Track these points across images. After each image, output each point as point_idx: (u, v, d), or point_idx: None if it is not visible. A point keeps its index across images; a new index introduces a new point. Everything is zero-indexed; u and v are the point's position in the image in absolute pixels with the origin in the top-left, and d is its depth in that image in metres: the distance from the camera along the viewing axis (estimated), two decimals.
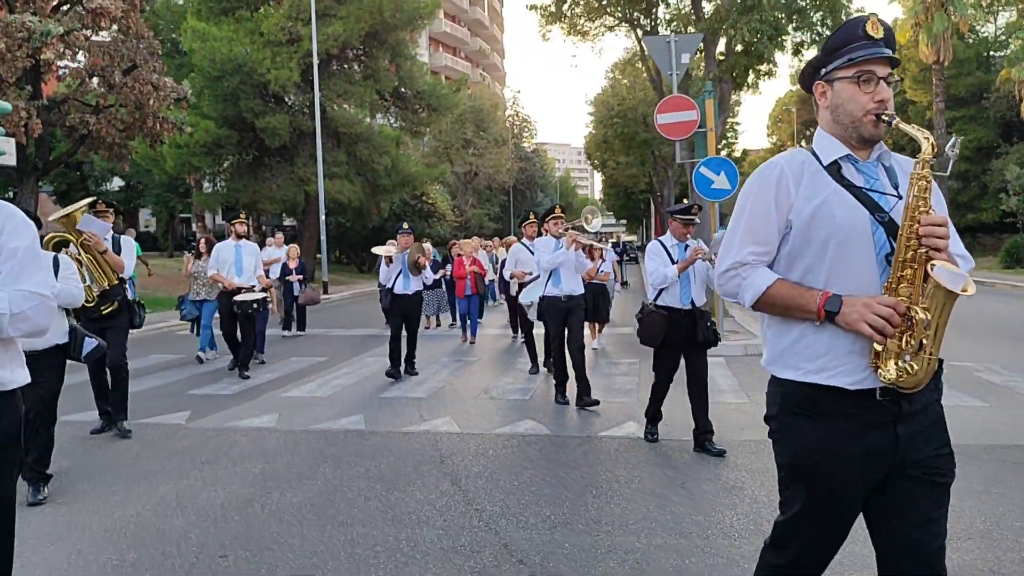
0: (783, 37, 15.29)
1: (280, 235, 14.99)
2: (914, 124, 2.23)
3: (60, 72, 19.64)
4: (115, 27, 18.88)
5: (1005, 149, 42.32)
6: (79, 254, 6.60)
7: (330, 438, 6.90)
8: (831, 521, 2.32)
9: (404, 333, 10.08)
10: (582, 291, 8.28)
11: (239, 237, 10.38)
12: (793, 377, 2.32)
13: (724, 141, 41.48)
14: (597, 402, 7.92)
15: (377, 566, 4.09)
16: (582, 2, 17.69)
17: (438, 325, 15.83)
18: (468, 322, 13.57)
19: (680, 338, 6.31)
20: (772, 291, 2.30)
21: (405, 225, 10.30)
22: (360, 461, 6.13)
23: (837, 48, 2.33)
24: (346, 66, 30.41)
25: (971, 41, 46.99)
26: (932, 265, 2.11)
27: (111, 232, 6.94)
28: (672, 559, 4.13)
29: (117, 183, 43.20)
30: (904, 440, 2.23)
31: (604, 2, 16.96)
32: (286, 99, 29.33)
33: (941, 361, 2.25)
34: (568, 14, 17.81)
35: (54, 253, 5.68)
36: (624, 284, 26.77)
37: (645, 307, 6.49)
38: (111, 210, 7.29)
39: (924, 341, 2.14)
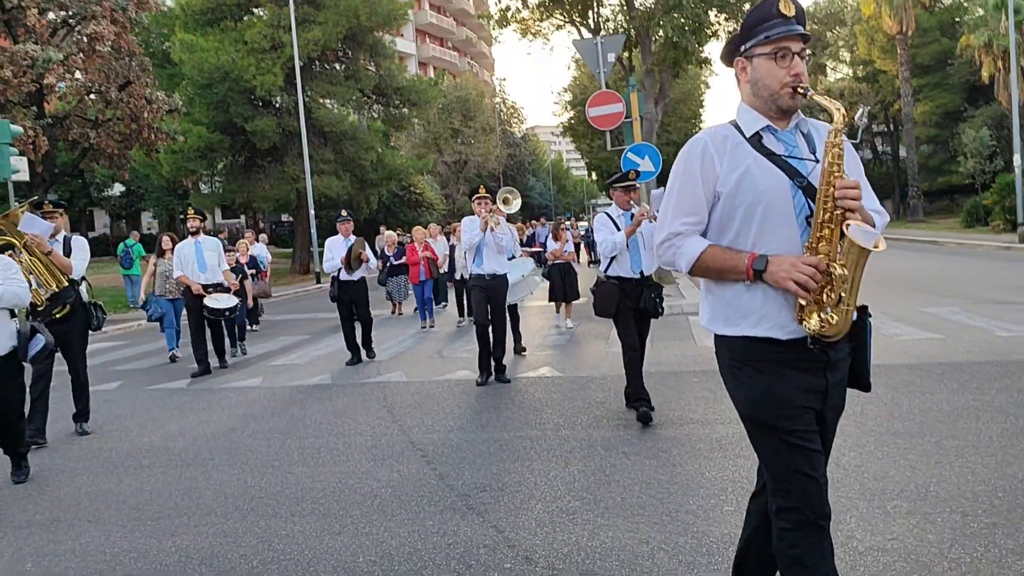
0: (707, 30, 16.87)
1: (250, 233, 15.54)
2: (827, 97, 2.47)
3: (59, 90, 21.24)
4: (109, 46, 20.50)
5: (971, 113, 43.80)
6: (23, 257, 6.40)
7: (301, 390, 8.64)
8: (802, 449, 2.45)
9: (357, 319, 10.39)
10: (505, 271, 8.56)
11: (194, 234, 10.15)
12: (732, 332, 2.52)
13: (693, 122, 43.04)
14: (508, 380, 8.33)
15: (317, 459, 5.84)
16: (524, 9, 19.30)
17: (401, 313, 15.84)
18: (427, 307, 13.91)
19: (633, 306, 6.42)
20: (705, 256, 2.49)
21: (344, 212, 10.71)
22: (320, 403, 7.87)
23: (754, 27, 2.47)
24: (328, 67, 32.02)
25: (936, 9, 48.38)
26: (847, 224, 2.30)
27: (63, 233, 6.89)
28: (526, 443, 5.87)
29: (118, 188, 45.02)
30: (831, 386, 2.48)
31: (547, 5, 18.53)
32: (273, 102, 30.97)
33: (866, 310, 2.53)
34: (513, 19, 19.39)
35: None
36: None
37: (599, 279, 6.63)
38: (59, 210, 7.10)
39: (843, 294, 2.34)
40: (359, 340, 10.43)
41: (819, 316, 2.34)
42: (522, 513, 4.43)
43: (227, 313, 10.02)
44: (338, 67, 32.68)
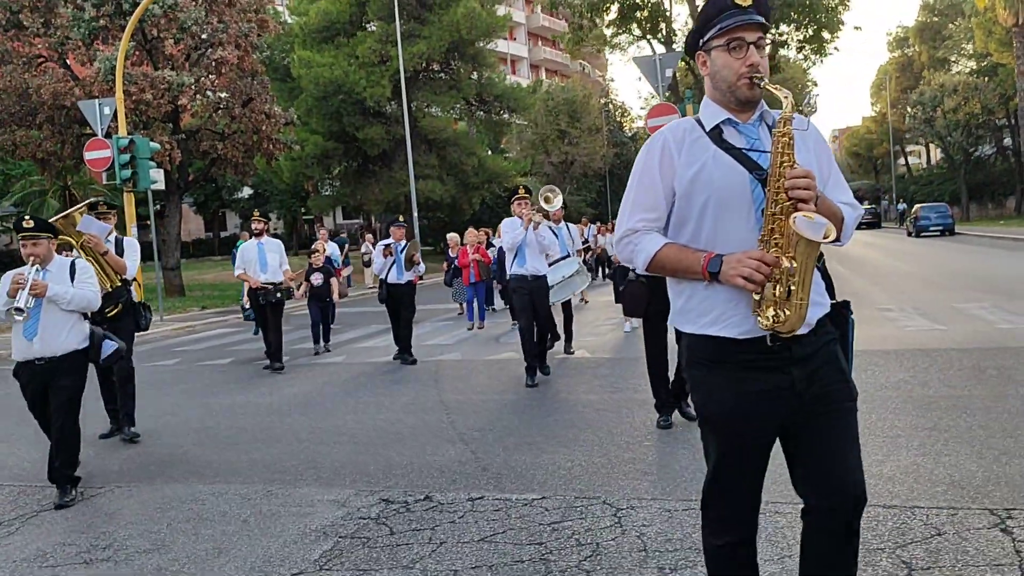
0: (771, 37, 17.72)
1: (324, 232, 16.62)
2: (776, 85, 2.37)
3: (192, 108, 23.93)
4: (234, 68, 23.06)
5: None
6: (80, 256, 6.43)
7: (374, 365, 10.39)
8: (745, 463, 2.45)
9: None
10: (546, 271, 8.66)
11: (258, 235, 10.56)
12: (692, 330, 2.48)
13: None
14: (548, 371, 8.48)
15: (365, 410, 7.53)
16: (594, 28, 20.62)
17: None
18: (476, 308, 14.14)
19: (664, 307, 6.63)
20: (661, 255, 2.44)
21: (400, 218, 11.45)
22: (384, 374, 9.59)
23: (710, 19, 2.42)
24: (432, 77, 34.17)
25: None
26: (793, 217, 2.23)
27: (114, 234, 7.02)
28: (527, 402, 7.39)
29: (247, 191, 48.90)
30: (800, 380, 2.38)
31: (618, 22, 19.79)
32: (382, 112, 33.35)
33: (846, 305, 2.54)
34: (587, 36, 20.71)
35: (71, 258, 5.73)
36: None
37: (628, 278, 6.52)
38: (113, 211, 7.26)
39: (792, 288, 2.28)
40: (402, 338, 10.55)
41: (773, 310, 2.29)
42: (496, 443, 5.96)
43: (278, 294, 10.23)
44: (444, 76, 34.80)
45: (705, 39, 2.45)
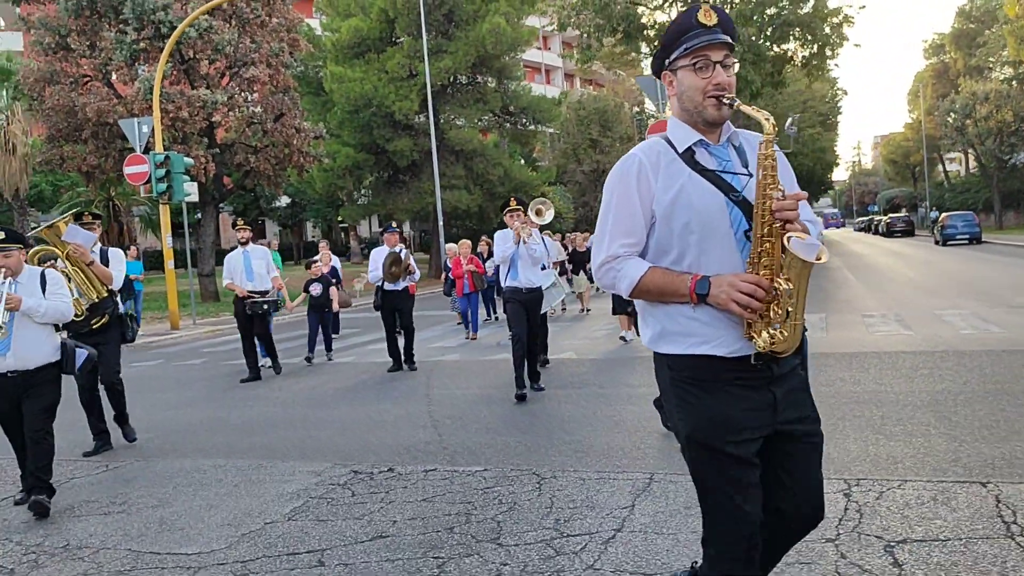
0: (767, 60, 18.42)
1: (324, 243, 16.13)
2: (753, 106, 2.40)
3: (231, 121, 25.22)
4: (267, 86, 24.32)
5: None
6: (66, 267, 6.47)
7: (379, 364, 11.27)
8: (739, 482, 2.42)
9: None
10: (539, 283, 8.60)
11: (243, 244, 10.55)
12: (679, 351, 2.45)
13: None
14: (543, 388, 8.41)
15: (360, 404, 8.46)
16: (602, 48, 21.46)
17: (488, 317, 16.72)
18: (470, 319, 14.23)
19: None
20: (646, 279, 2.44)
21: (393, 224, 11.75)
22: (385, 373, 10.46)
23: (675, 39, 2.44)
24: (459, 91, 35.26)
25: None
26: (788, 238, 2.28)
27: (99, 244, 6.93)
28: (499, 395, 8.24)
29: (285, 200, 50.44)
30: (780, 400, 2.44)
31: (622, 41, 20.60)
32: (411, 124, 34.48)
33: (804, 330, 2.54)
34: (596, 55, 21.56)
35: (41, 268, 5.59)
36: None
37: None
38: (97, 221, 7.20)
39: (790, 309, 2.33)
40: (401, 348, 10.73)
41: (768, 332, 2.32)
42: (461, 429, 6.85)
43: (264, 306, 10.37)
44: (470, 89, 35.84)
45: (671, 59, 2.49)
